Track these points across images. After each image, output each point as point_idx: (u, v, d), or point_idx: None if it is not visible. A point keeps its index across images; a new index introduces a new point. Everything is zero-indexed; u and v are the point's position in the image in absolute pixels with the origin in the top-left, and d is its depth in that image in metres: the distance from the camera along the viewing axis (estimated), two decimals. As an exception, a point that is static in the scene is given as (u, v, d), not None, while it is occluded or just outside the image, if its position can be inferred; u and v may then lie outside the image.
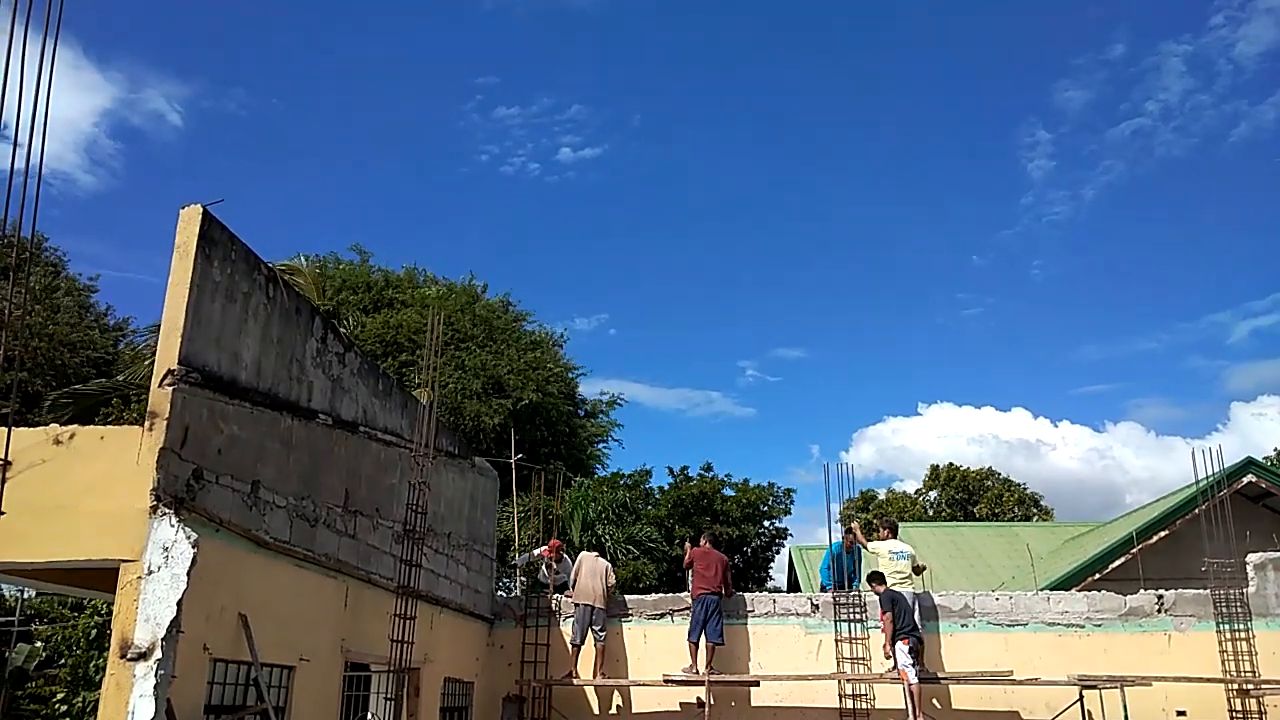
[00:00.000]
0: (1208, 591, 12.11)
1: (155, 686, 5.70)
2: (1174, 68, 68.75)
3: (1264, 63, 68.56)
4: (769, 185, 78.54)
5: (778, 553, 36.55)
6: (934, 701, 11.99)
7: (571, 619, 12.78)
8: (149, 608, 5.89)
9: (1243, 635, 11.70)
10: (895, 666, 11.49)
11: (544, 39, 76.93)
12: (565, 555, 14.33)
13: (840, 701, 12.02)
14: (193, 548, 6.01)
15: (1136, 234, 75.24)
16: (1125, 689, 11.06)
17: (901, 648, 11.38)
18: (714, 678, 12.02)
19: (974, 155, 76.69)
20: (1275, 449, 40.03)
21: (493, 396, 26.22)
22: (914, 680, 11.26)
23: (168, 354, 6.28)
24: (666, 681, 12.21)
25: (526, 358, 28.19)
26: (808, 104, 77.78)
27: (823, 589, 13.12)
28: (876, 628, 12.10)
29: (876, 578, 12.24)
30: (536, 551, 14.61)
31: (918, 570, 12.72)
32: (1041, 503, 43.53)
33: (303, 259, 25.67)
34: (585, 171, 77.36)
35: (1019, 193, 74.48)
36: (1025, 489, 43.92)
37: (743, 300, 78.46)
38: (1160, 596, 12.33)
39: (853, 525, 13.48)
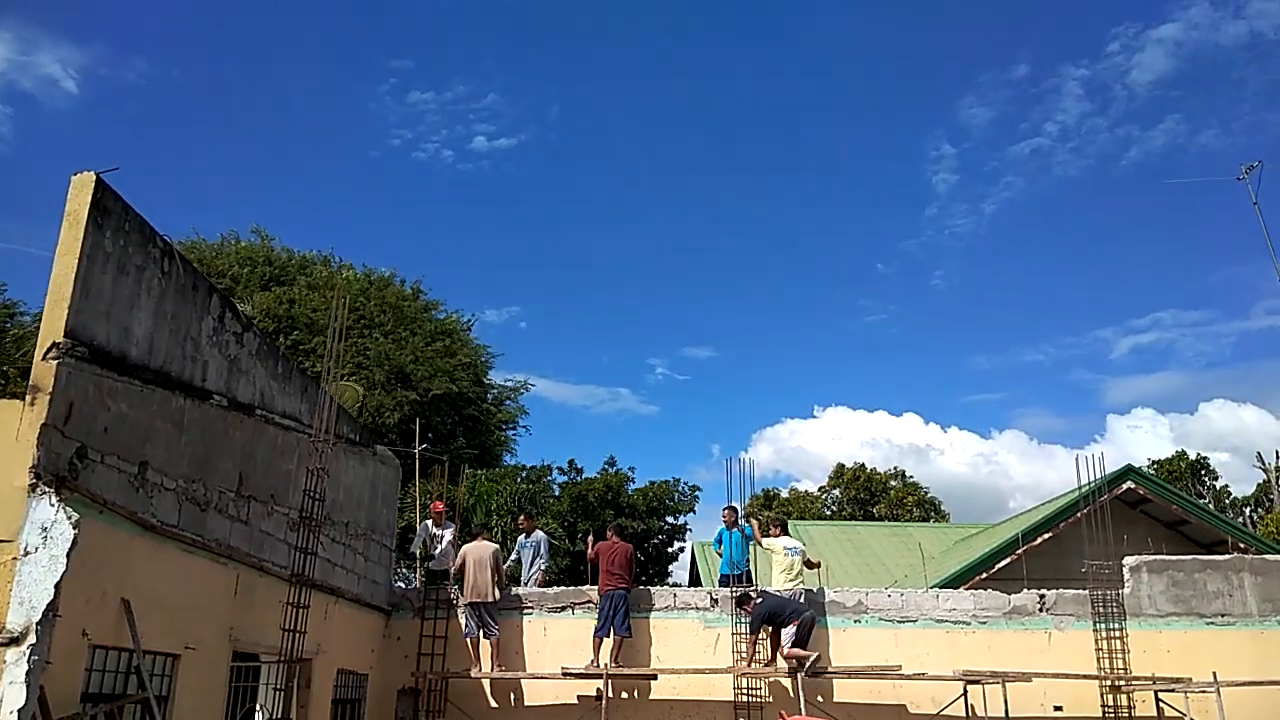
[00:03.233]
0: (1086, 592, 12.64)
1: (28, 673, 5.44)
2: (1072, 90, 71.72)
3: (1155, 90, 72.11)
4: (684, 184, 79.20)
5: (681, 550, 36.88)
6: (819, 698, 12.24)
7: (464, 615, 12.63)
8: (24, 590, 5.63)
9: (1117, 634, 12.25)
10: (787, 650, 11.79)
11: (460, 24, 76.04)
12: (449, 521, 13.94)
13: (735, 695, 12.20)
14: (74, 529, 5.76)
15: (1032, 250, 78.41)
16: (1007, 684, 11.47)
17: (788, 631, 11.75)
18: (612, 671, 12.06)
19: (882, 164, 78.70)
20: (1148, 459, 42.17)
21: (396, 388, 25.59)
22: (788, 649, 11.73)
23: (53, 326, 6.00)
24: (565, 674, 12.20)
25: (434, 346, 27.65)
26: (723, 106, 78.69)
27: (725, 578, 13.21)
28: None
29: (744, 600, 12.22)
30: (425, 523, 14.08)
31: (811, 565, 12.98)
32: (941, 507, 44.90)
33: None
34: (500, 162, 76.92)
35: (924, 204, 76.74)
36: (927, 493, 45.27)
37: (656, 297, 79.03)
38: (1042, 596, 12.82)
39: (751, 521, 13.66)
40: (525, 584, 13.61)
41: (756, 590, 12.42)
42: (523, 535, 14.09)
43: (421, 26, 75.91)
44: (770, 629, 12.05)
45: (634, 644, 12.63)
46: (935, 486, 46.72)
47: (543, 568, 13.77)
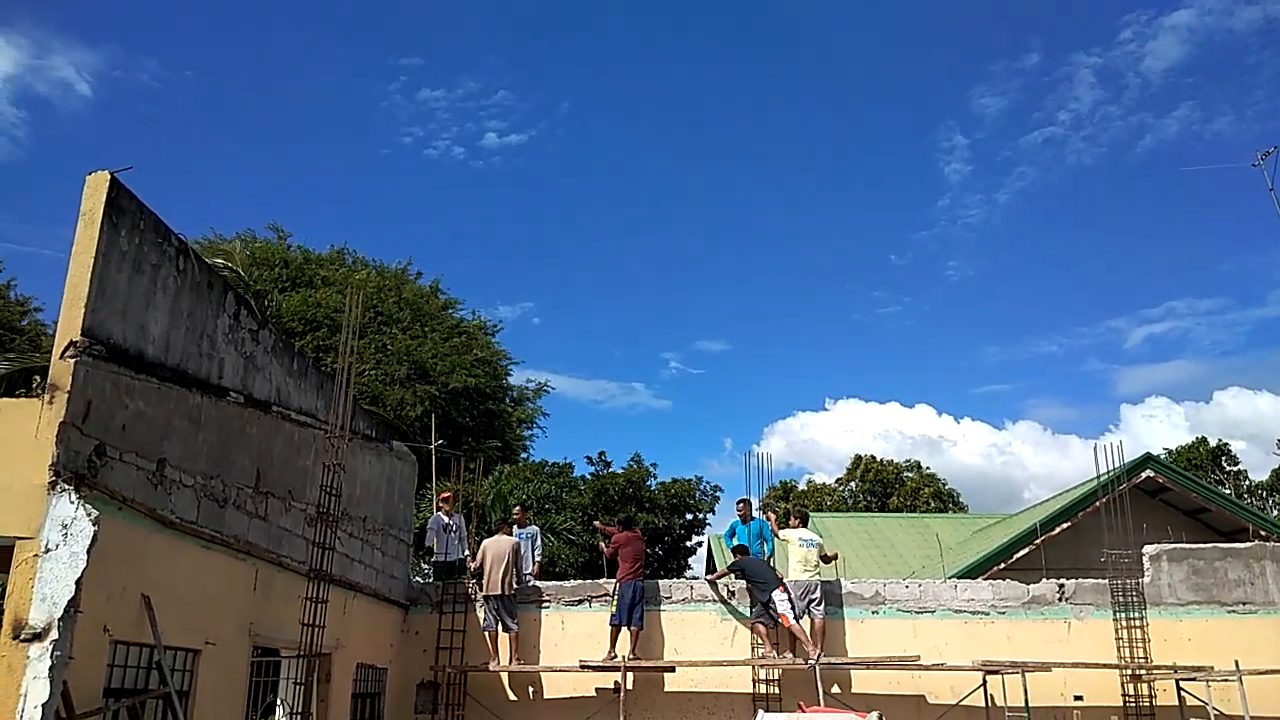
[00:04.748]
0: (1106, 581, 12.57)
1: (51, 669, 5.51)
2: (1085, 78, 71.07)
3: (1169, 78, 71.40)
4: (695, 178, 79.08)
5: (698, 544, 36.99)
6: (836, 688, 12.24)
7: (481, 608, 12.69)
8: (46, 587, 5.69)
9: (1137, 623, 12.18)
10: (780, 613, 11.99)
11: (469, 21, 76.09)
12: (458, 513, 13.97)
13: (754, 686, 12.21)
14: (93, 526, 5.83)
15: (1045, 240, 77.83)
16: (1026, 674, 11.42)
17: (780, 595, 11.97)
18: (630, 663, 12.08)
19: (895, 157, 78.33)
20: (1163, 448, 41.85)
21: (416, 383, 25.74)
22: (793, 621, 11.94)
23: (70, 325, 6.06)
24: (583, 667, 12.23)
25: (453, 342, 27.80)
26: (734, 99, 78.45)
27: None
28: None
29: (741, 550, 12.69)
30: (437, 514, 13.98)
31: (827, 559, 12.94)
32: (959, 498, 44.72)
33: (237, 243, 25.18)
34: (511, 158, 76.91)
35: (937, 195, 76.34)
36: (945, 484, 45.10)
37: (669, 291, 78.97)
38: (1061, 585, 12.76)
39: (768, 514, 13.63)
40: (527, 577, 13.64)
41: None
42: (515, 527, 14.07)
43: (430, 24, 76.03)
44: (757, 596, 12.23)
45: (651, 636, 12.65)
46: (949, 478, 46.63)
47: (536, 559, 13.80)
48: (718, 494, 37.09)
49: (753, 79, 79.32)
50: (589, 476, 33.64)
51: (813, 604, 12.18)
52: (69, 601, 5.67)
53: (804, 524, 13.20)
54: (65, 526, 5.81)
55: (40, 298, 26.61)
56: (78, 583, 5.72)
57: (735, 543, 13.09)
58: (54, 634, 5.57)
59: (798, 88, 78.85)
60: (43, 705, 5.43)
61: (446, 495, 13.92)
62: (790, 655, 12.17)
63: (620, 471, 34.08)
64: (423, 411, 24.45)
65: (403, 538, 13.16)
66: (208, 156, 70.40)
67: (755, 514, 13.29)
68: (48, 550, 5.77)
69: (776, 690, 12.16)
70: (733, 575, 12.78)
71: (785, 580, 12.43)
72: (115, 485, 6.39)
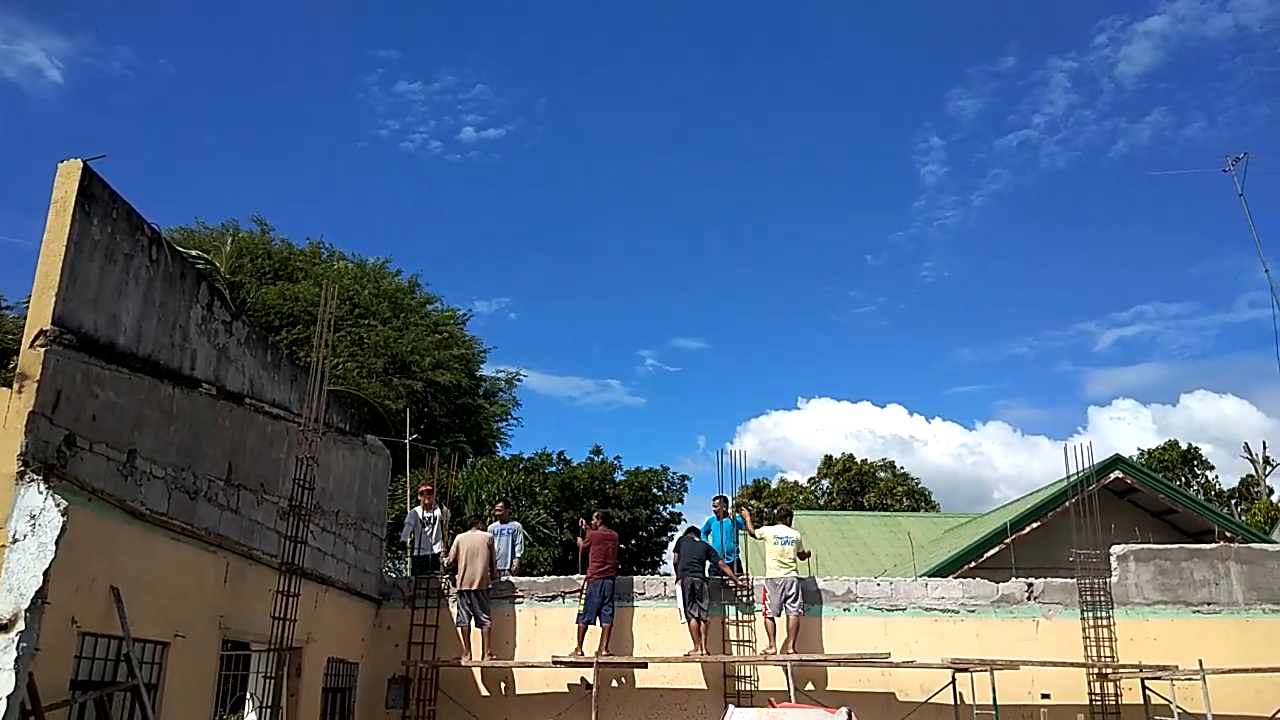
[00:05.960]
0: (1074, 581, 12.71)
1: (17, 660, 5.45)
2: (1059, 82, 71.71)
3: (1142, 83, 72.15)
4: (673, 176, 79.15)
5: (671, 538, 36.93)
6: (809, 685, 12.32)
7: (454, 603, 12.66)
8: (13, 578, 5.64)
9: (1104, 622, 12.33)
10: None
11: (448, 15, 75.72)
12: (440, 505, 13.93)
13: (725, 683, 12.26)
14: (62, 516, 5.77)
15: (1019, 242, 78.54)
16: (995, 672, 11.53)
17: (678, 587, 12.37)
18: (603, 659, 12.10)
19: (871, 156, 78.74)
20: (1138, 449, 42.30)
21: (395, 377, 25.56)
22: (684, 619, 12.28)
23: (40, 314, 6.01)
24: (555, 663, 12.23)
25: (433, 338, 27.66)
26: (712, 98, 78.55)
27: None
28: (760, 610, 12.43)
29: (693, 532, 13.15)
30: (414, 510, 13.90)
31: (803, 556, 13.00)
32: (931, 497, 45.03)
33: (228, 242, 24.99)
34: (488, 152, 76.65)
35: (912, 196, 76.82)
36: (917, 483, 45.40)
37: (646, 288, 79.00)
38: (1030, 585, 12.89)
39: (743, 511, 13.67)
40: (502, 571, 13.61)
41: (700, 535, 13.04)
42: (497, 523, 14.05)
43: (409, 17, 75.58)
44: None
45: (623, 633, 12.67)
46: (919, 477, 46.92)
47: (517, 555, 13.80)
48: (686, 482, 37.04)
49: (730, 80, 79.56)
50: (551, 473, 33.51)
51: (789, 601, 12.24)
52: (36, 593, 5.61)
53: (786, 521, 13.27)
54: (33, 517, 5.75)
55: (10, 290, 26.28)
56: (45, 574, 5.66)
57: (713, 539, 13.12)
58: (20, 625, 5.51)
59: (775, 89, 79.17)
60: (8, 698, 5.37)
61: (426, 489, 13.83)
62: (777, 649, 12.23)
63: (581, 465, 33.92)
64: (403, 405, 24.32)
65: (376, 532, 13.10)
66: (181, 147, 69.67)
67: (732, 510, 13.34)
68: (15, 541, 5.71)
69: (749, 688, 12.22)
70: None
71: (761, 578, 12.50)
72: (85, 476, 6.33)
